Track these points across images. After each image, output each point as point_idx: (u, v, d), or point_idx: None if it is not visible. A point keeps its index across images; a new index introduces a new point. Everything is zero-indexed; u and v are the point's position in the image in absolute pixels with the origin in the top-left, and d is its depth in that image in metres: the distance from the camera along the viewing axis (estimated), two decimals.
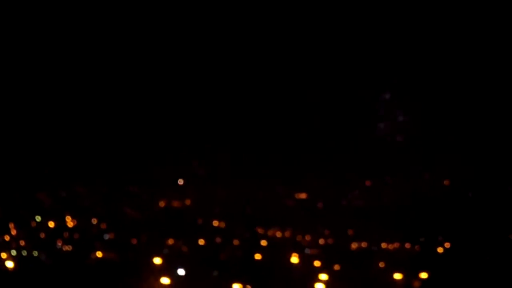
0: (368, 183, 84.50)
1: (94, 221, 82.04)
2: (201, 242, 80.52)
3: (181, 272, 74.59)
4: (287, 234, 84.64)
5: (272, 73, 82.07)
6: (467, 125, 77.41)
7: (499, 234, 64.54)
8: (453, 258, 68.38)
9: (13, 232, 79.10)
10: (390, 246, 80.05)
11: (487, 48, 71.02)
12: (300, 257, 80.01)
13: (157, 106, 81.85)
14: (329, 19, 77.68)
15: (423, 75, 76.94)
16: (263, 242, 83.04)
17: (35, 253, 77.66)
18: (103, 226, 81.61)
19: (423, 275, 67.79)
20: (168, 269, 75.28)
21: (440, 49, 74.63)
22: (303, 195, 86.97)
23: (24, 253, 77.44)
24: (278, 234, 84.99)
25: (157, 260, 76.85)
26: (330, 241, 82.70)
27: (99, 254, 78.27)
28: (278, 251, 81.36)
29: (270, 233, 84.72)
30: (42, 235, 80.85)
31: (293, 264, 79.34)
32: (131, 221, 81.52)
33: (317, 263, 78.31)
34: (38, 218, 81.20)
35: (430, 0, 71.70)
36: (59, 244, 79.81)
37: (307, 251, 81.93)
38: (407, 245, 76.01)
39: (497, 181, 69.77)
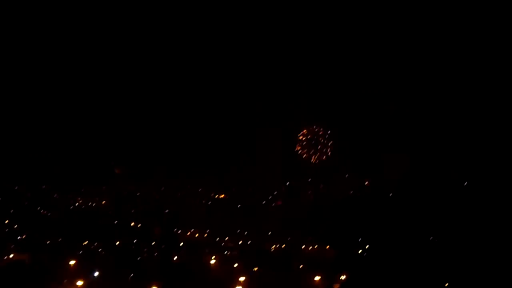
0: (288, 184, 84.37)
1: (6, 221, 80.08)
2: (118, 243, 79.31)
3: (96, 274, 73.16)
4: (205, 235, 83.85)
5: (186, 80, 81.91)
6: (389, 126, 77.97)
7: (419, 235, 64.96)
8: (373, 259, 68.47)
9: None
10: (310, 248, 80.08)
11: (478, 50, 72.23)
12: (219, 259, 79.40)
13: (76, 107, 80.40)
14: (322, 21, 77.85)
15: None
16: (181, 243, 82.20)
17: None
18: (16, 227, 79.68)
19: (342, 277, 67.63)
20: (83, 270, 73.77)
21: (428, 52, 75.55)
22: (222, 196, 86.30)
23: None
24: (197, 235, 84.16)
25: (72, 261, 75.30)
26: (249, 242, 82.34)
27: (11, 255, 76.21)
28: (197, 252, 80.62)
29: (188, 234, 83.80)
30: None
31: (211, 265, 78.69)
32: (45, 221, 79.78)
33: (236, 265, 77.89)
34: None
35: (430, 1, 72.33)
36: None
37: (226, 252, 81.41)
38: (327, 247, 76.12)
39: (420, 182, 70.42)
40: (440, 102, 76.66)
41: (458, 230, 58.08)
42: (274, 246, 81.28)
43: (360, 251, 69.59)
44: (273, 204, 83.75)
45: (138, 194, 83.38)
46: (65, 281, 70.56)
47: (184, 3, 75.40)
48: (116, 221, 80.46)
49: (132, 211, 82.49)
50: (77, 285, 68.45)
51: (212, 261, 79.06)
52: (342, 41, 78.21)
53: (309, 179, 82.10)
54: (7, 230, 80.00)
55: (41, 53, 76.63)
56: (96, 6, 74.19)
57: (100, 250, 78.38)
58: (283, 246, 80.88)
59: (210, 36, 78.61)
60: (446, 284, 55.11)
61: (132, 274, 73.03)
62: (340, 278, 68.58)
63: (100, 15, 75.24)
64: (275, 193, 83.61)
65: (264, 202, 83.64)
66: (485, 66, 73.44)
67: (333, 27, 77.48)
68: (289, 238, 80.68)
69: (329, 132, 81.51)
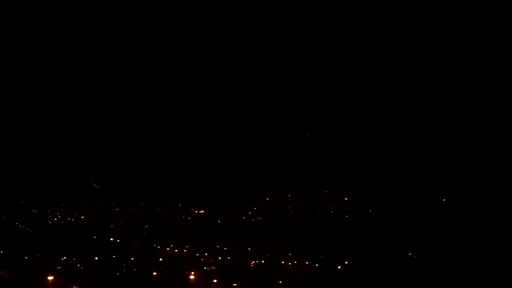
0: (267, 200, 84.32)
1: None
2: (96, 258, 78.90)
3: None
4: (185, 250, 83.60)
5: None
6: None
7: (399, 251, 65.06)
8: (352, 275, 68.51)
9: None
10: (289, 263, 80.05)
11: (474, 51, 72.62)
12: (198, 274, 79.21)
13: (54, 122, 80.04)
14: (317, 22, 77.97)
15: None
16: (160, 259, 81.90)
17: None
18: None
19: None
20: (61, 286, 73.38)
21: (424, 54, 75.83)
22: (201, 211, 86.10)
23: None
24: (176, 251, 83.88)
25: (50, 277, 74.85)
26: (228, 258, 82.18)
27: None
28: (176, 267, 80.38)
29: (167, 249, 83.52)
30: None
31: (191, 281, 78.50)
32: (23, 236, 79.26)
33: (215, 281, 77.80)
34: None
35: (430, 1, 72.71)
36: None
37: (205, 268, 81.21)
38: (306, 262, 76.09)
39: (401, 198, 70.58)
40: (431, 108, 77.05)
41: (441, 247, 58.23)
42: (253, 261, 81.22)
43: (340, 266, 69.57)
44: (253, 220, 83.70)
45: (117, 209, 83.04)
46: None
47: (184, 3, 75.34)
48: (94, 237, 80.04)
49: (111, 226, 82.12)
50: None
51: (192, 277, 78.88)
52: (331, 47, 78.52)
53: (289, 195, 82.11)
54: None
55: (18, 66, 76.26)
56: (96, 6, 73.95)
57: (78, 265, 77.96)
58: (263, 261, 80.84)
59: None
60: None
61: None
62: None
63: (98, 14, 74.96)
64: (255, 208, 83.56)
65: (243, 217, 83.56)
66: (484, 68, 73.84)
67: (324, 34, 77.68)
68: (268, 254, 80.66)
69: (309, 147, 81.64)
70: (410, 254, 61.96)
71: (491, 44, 72.25)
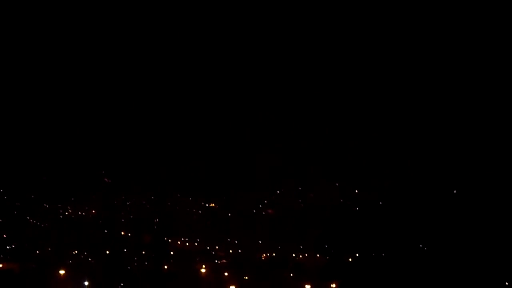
0: (277, 193, 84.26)
1: None
2: (107, 252, 79.08)
3: (86, 283, 72.99)
4: (196, 244, 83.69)
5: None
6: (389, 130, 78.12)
7: (410, 243, 64.85)
8: (363, 267, 68.37)
9: None
10: (300, 256, 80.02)
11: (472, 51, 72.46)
12: (209, 268, 79.28)
13: (64, 115, 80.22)
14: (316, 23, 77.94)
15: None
16: (172, 252, 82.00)
17: None
18: (5, 236, 79.34)
19: (333, 285, 67.63)
20: (72, 280, 73.56)
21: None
22: (212, 204, 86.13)
23: None
24: (187, 244, 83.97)
25: (61, 271, 75.04)
26: (239, 251, 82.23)
27: (0, 265, 75.93)
28: (187, 261, 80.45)
29: (178, 242, 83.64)
30: None
31: (202, 274, 78.57)
32: (34, 231, 79.48)
33: (226, 274, 77.82)
34: None
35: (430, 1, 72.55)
36: None
37: (216, 261, 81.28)
38: (317, 255, 76.01)
39: (412, 189, 70.34)
40: (432, 108, 76.79)
41: (451, 236, 57.97)
42: (264, 254, 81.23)
43: (350, 259, 69.39)
44: (264, 213, 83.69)
45: (128, 203, 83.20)
46: None
47: (184, 3, 75.32)
48: (106, 231, 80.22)
49: (122, 220, 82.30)
50: None
51: (203, 270, 78.95)
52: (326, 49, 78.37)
53: (299, 188, 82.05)
54: None
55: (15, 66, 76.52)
56: (96, 6, 74.05)
57: (89, 259, 78.16)
58: (274, 254, 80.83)
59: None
60: None
61: (122, 284, 72.91)
62: (331, 286, 68.54)
63: (100, 16, 75.08)
64: (265, 201, 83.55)
65: (254, 210, 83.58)
66: (483, 71, 73.62)
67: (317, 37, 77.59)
68: (279, 247, 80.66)
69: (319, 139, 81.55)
70: (421, 246, 61.76)
71: (491, 44, 71.88)
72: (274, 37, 78.08)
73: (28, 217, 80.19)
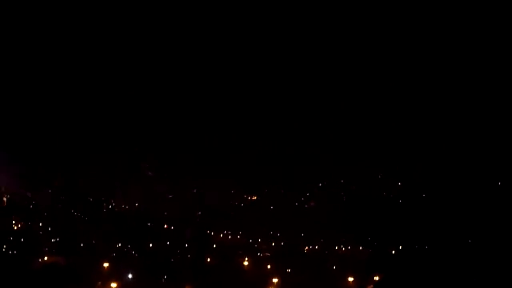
0: (320, 186, 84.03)
1: (40, 224, 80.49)
2: (151, 245, 79.48)
3: (129, 276, 73.47)
4: (238, 237, 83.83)
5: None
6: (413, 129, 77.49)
7: (451, 236, 64.36)
8: (406, 260, 68.01)
9: None
10: (343, 249, 79.79)
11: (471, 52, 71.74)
12: (251, 261, 79.39)
13: (100, 108, 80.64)
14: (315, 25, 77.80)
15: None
16: (214, 245, 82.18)
17: None
18: (50, 229, 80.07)
19: (376, 278, 67.24)
20: (116, 273, 74.06)
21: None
22: (254, 197, 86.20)
23: None
24: (229, 237, 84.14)
25: (105, 264, 75.59)
26: (282, 244, 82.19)
27: (46, 258, 76.69)
28: (229, 254, 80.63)
29: (221, 236, 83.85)
30: None
31: (244, 267, 78.71)
32: (78, 224, 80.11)
33: (269, 267, 77.87)
34: None
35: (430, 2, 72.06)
36: (5, 247, 78.05)
37: (259, 254, 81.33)
38: (360, 248, 75.76)
39: (449, 184, 69.77)
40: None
41: (499, 230, 57.31)
42: (307, 247, 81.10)
43: (394, 251, 68.99)
44: (306, 205, 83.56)
45: (170, 196, 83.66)
46: (99, 283, 71.00)
47: (184, 3, 75.23)
48: (148, 224, 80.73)
49: (165, 213, 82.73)
50: (111, 287, 68.80)
51: (245, 263, 79.07)
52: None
53: (342, 180, 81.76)
54: (41, 233, 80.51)
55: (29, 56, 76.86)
56: (96, 6, 74.24)
57: (133, 252, 78.66)
58: (316, 247, 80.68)
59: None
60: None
61: (165, 276, 73.24)
62: (374, 279, 68.20)
63: (100, 16, 75.29)
64: (308, 194, 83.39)
65: (296, 203, 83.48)
66: (482, 72, 72.75)
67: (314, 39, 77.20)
68: (322, 239, 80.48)
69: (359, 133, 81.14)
70: (467, 239, 61.22)
71: (491, 44, 70.87)
72: (274, 37, 77.56)
73: (72, 211, 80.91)
